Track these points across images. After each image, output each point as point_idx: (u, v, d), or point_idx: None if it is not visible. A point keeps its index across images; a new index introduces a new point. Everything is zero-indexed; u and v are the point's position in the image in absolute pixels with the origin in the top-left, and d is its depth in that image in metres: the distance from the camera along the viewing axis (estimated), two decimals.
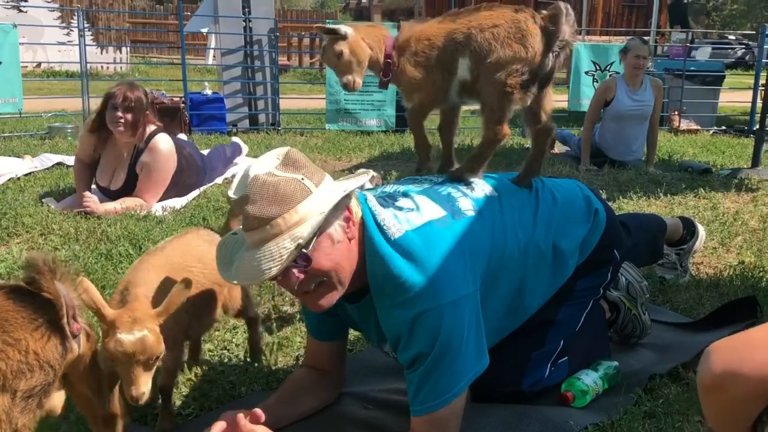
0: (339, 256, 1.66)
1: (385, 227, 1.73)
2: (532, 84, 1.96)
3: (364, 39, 2.09)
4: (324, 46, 2.13)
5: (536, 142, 2.13)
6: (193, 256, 1.99)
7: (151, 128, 4.12)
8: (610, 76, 7.60)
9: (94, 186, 4.21)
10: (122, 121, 3.93)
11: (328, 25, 2.12)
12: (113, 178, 4.12)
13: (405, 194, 1.88)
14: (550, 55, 1.93)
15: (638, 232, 2.57)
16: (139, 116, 3.98)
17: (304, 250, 1.58)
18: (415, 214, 1.77)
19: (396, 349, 1.74)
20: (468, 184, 1.98)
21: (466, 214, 1.84)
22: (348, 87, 2.10)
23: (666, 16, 10.26)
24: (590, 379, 2.06)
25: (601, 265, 2.15)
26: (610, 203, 4.25)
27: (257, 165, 1.61)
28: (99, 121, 4.03)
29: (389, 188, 1.95)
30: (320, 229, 1.61)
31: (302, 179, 1.60)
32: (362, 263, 1.72)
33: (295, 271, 1.61)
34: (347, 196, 1.67)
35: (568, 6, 1.95)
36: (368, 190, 1.95)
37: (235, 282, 1.67)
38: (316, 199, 1.60)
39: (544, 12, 1.97)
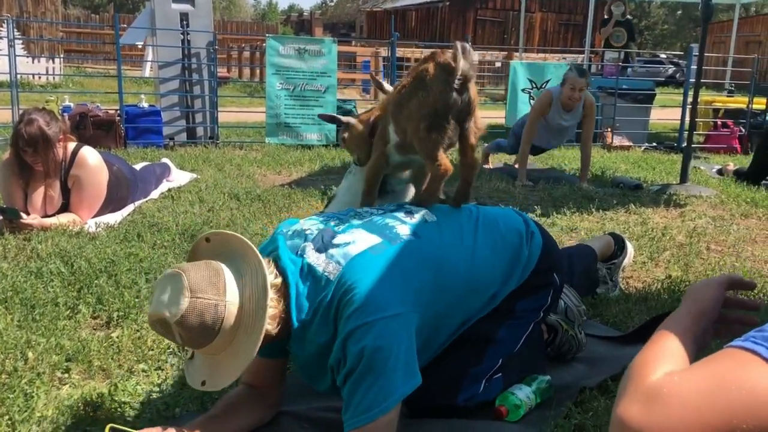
0: None
1: (326, 273, 1.80)
2: (446, 121, 1.99)
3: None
4: None
5: (462, 175, 2.15)
6: None
7: (71, 145, 4.00)
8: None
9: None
10: (35, 161, 3.82)
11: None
12: (45, 204, 3.96)
13: (345, 230, 1.94)
14: (453, 92, 1.95)
15: (573, 260, 2.65)
16: (47, 149, 3.80)
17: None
18: (352, 246, 1.85)
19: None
20: (408, 212, 2.04)
21: (402, 238, 1.90)
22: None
23: (600, 37, 10.55)
24: (523, 394, 2.10)
25: (541, 288, 2.21)
26: (544, 218, 4.37)
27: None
28: (19, 163, 3.86)
29: (333, 223, 2.00)
30: None
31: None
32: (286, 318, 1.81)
33: None
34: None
35: (465, 44, 1.98)
36: (309, 239, 1.96)
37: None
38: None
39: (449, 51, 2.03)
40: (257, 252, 1.75)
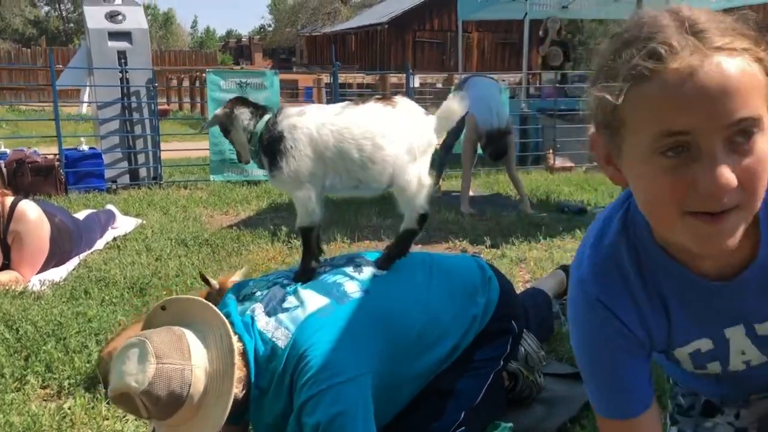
0: None
1: (274, 339, 1.79)
2: None
3: None
4: None
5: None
6: None
7: (9, 200, 3.87)
8: None
9: None
10: None
11: None
12: None
13: (293, 291, 1.94)
14: None
15: (527, 311, 2.67)
16: None
17: None
18: (300, 310, 1.85)
19: None
20: (357, 266, 2.03)
21: (352, 296, 1.91)
22: None
23: (538, 56, 10.77)
24: None
25: (500, 336, 2.21)
26: (494, 250, 4.42)
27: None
28: None
29: (284, 280, 2.00)
30: None
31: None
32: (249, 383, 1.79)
33: None
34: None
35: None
36: (258, 300, 1.95)
37: None
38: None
39: None
40: (219, 313, 1.73)
